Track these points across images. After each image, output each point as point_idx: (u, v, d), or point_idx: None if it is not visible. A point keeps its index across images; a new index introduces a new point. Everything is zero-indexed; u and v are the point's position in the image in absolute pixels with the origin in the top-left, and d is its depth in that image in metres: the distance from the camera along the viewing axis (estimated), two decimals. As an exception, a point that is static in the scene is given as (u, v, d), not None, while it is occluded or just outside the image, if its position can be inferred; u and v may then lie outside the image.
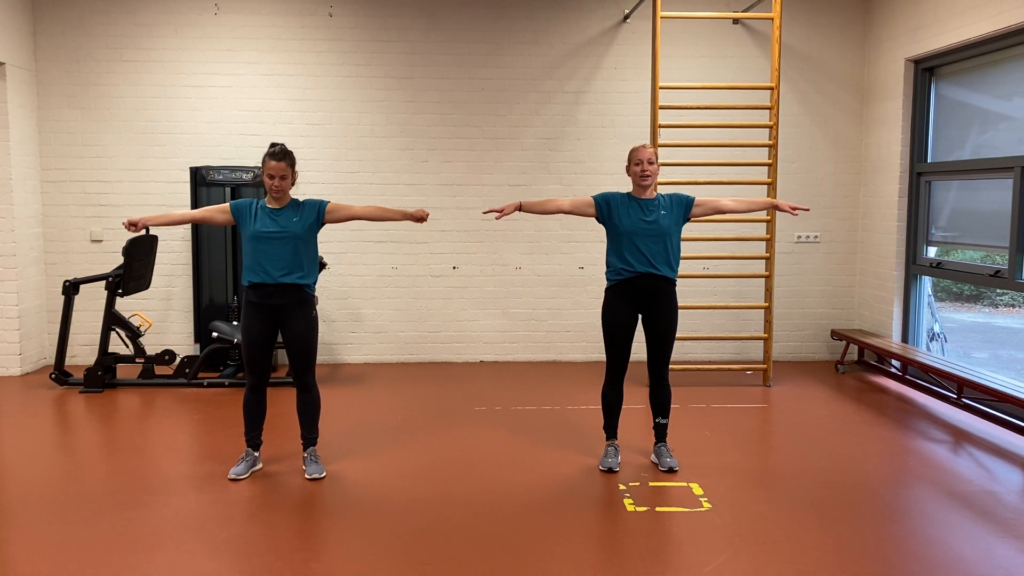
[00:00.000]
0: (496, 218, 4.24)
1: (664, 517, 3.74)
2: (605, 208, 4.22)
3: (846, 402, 5.81)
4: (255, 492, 4.02)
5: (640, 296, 4.21)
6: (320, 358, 6.76)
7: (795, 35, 6.96)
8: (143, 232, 6.19)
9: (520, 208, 4.24)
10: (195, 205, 6.54)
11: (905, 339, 6.55)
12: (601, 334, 4.35)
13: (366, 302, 7.06)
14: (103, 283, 6.03)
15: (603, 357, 4.80)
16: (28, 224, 6.63)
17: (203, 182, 6.51)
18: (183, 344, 6.93)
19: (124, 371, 6.41)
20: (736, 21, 6.97)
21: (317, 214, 4.12)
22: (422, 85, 6.92)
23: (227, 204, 4.14)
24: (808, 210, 4.53)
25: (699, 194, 4.52)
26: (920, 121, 6.42)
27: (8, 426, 5.17)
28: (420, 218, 4.17)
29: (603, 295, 4.32)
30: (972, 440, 4.95)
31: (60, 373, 6.01)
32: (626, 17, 6.92)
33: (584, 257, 7.08)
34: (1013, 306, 6.24)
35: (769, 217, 6.18)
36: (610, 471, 4.30)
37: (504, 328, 7.13)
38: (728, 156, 6.63)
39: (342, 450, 4.64)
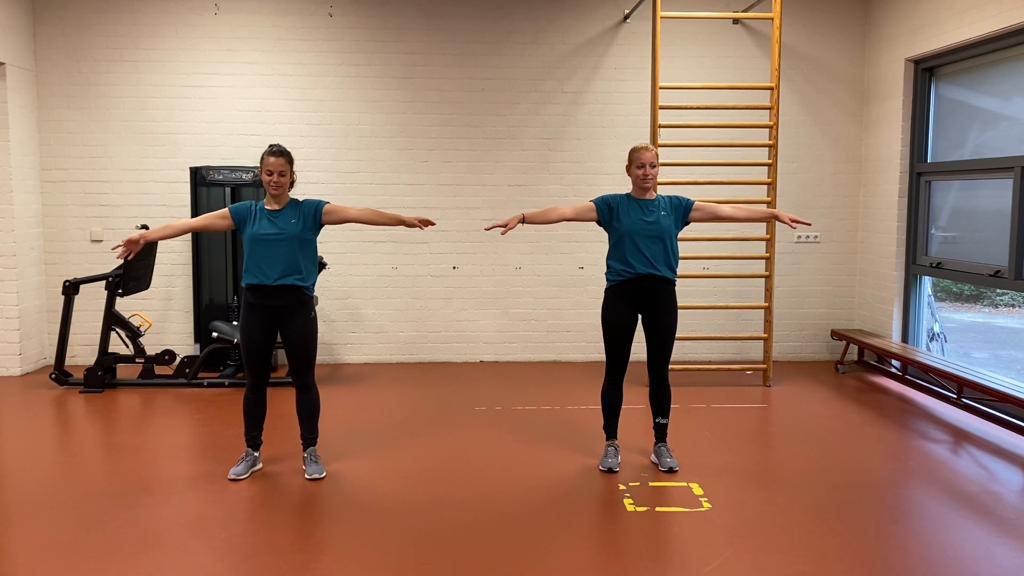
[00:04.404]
0: (501, 233, 4.22)
1: (664, 517, 3.74)
2: (606, 211, 4.22)
3: (846, 402, 5.80)
4: (255, 492, 4.02)
5: (640, 296, 4.21)
6: (320, 358, 6.77)
7: (795, 35, 6.96)
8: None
9: (524, 221, 4.24)
10: (195, 205, 6.56)
11: (905, 339, 6.55)
12: (601, 334, 4.34)
13: (366, 302, 7.06)
14: (103, 283, 6.03)
15: (603, 357, 4.80)
16: (28, 224, 6.63)
17: (203, 182, 6.51)
18: (183, 344, 6.93)
19: (124, 371, 6.41)
20: (736, 21, 6.97)
21: (315, 214, 4.11)
22: (422, 85, 6.92)
23: (226, 209, 4.11)
24: (809, 224, 4.45)
25: (699, 195, 4.51)
26: (920, 121, 6.42)
27: (8, 426, 5.17)
28: (415, 225, 4.12)
29: (603, 295, 4.32)
30: (972, 440, 4.95)
31: (60, 373, 6.00)
32: (626, 17, 6.92)
33: (584, 257, 7.08)
34: (1013, 306, 6.23)
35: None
36: (610, 471, 4.30)
37: (504, 328, 7.13)
38: (728, 156, 6.63)
39: (342, 450, 4.64)
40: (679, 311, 4.32)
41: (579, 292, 7.12)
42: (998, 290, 6.18)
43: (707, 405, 5.67)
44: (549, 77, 6.97)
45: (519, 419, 5.33)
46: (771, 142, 6.12)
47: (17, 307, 6.48)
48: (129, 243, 3.95)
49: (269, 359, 4.22)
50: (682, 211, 4.24)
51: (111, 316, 6.01)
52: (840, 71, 7.05)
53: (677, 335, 4.40)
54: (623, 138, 6.90)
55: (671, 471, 4.30)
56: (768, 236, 6.18)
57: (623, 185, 4.60)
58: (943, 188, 6.27)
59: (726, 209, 4.36)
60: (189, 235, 6.73)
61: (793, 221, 4.27)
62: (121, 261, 3.75)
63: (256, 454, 4.31)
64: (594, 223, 4.30)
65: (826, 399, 5.88)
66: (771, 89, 6.14)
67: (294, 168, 4.13)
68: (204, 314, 6.67)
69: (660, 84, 6.11)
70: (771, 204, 6.14)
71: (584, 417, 5.33)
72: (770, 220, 5.08)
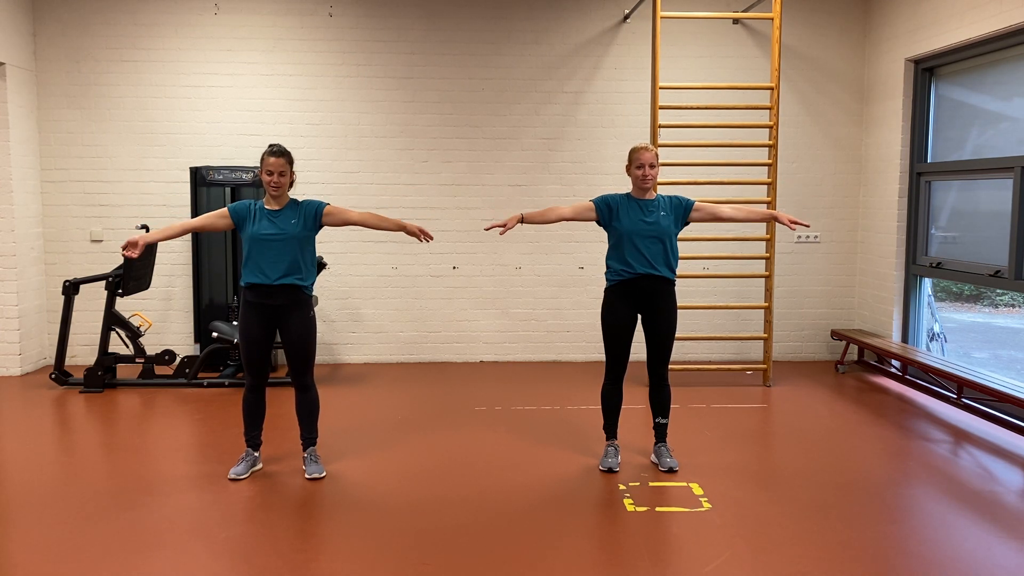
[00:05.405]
0: (500, 233, 4.23)
1: (664, 517, 3.74)
2: (605, 211, 4.22)
3: (846, 402, 5.80)
4: (255, 492, 4.03)
5: (640, 296, 4.21)
6: (320, 358, 6.77)
7: (795, 35, 6.96)
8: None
9: (523, 220, 4.24)
10: (195, 205, 6.56)
11: (905, 339, 6.55)
12: (601, 334, 4.34)
13: (366, 302, 7.06)
14: (103, 283, 6.03)
15: (603, 357, 4.79)
16: (28, 224, 6.63)
17: (203, 182, 6.51)
18: (183, 344, 6.93)
19: (124, 371, 6.41)
20: (736, 21, 6.97)
21: (315, 215, 4.11)
22: (422, 85, 6.92)
23: (225, 209, 4.11)
24: (808, 226, 4.45)
25: (699, 195, 4.52)
26: (920, 121, 6.42)
27: (8, 426, 5.17)
28: (415, 234, 4.10)
29: (603, 295, 4.32)
30: (972, 440, 4.95)
31: (60, 373, 6.00)
32: (626, 17, 6.92)
33: (584, 257, 7.08)
34: (1013, 306, 6.23)
35: (769, 217, 6.18)
36: (610, 471, 4.30)
37: (504, 328, 7.13)
38: (728, 156, 6.63)
39: (342, 450, 4.64)
40: (679, 311, 4.33)
41: (579, 292, 7.12)
42: (998, 290, 6.18)
43: (707, 405, 5.67)
44: (549, 77, 6.97)
45: (519, 419, 5.33)
46: (771, 142, 6.12)
47: (17, 307, 6.48)
48: (130, 245, 3.95)
49: (268, 358, 4.22)
50: (682, 211, 4.24)
51: (111, 316, 6.01)
52: (840, 71, 7.05)
53: (677, 335, 4.41)
54: (623, 138, 6.91)
55: (671, 471, 4.30)
56: (768, 236, 6.18)
57: (623, 185, 4.60)
58: (943, 188, 6.27)
59: (726, 210, 4.36)
60: (190, 235, 6.74)
61: (792, 223, 4.26)
62: (124, 258, 3.78)
63: (256, 454, 4.31)
64: (594, 223, 4.31)
65: (826, 399, 5.88)
66: (771, 89, 6.14)
67: (294, 168, 4.13)
68: (204, 314, 6.67)
69: (660, 84, 6.11)
70: (771, 204, 6.13)
71: (584, 417, 5.33)
72: (769, 221, 5.10)
